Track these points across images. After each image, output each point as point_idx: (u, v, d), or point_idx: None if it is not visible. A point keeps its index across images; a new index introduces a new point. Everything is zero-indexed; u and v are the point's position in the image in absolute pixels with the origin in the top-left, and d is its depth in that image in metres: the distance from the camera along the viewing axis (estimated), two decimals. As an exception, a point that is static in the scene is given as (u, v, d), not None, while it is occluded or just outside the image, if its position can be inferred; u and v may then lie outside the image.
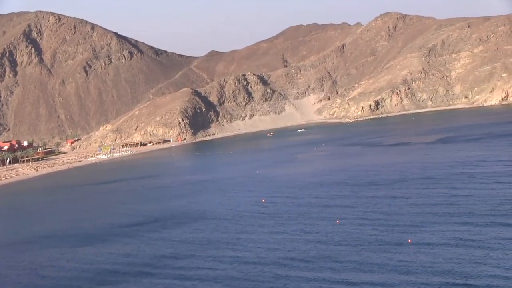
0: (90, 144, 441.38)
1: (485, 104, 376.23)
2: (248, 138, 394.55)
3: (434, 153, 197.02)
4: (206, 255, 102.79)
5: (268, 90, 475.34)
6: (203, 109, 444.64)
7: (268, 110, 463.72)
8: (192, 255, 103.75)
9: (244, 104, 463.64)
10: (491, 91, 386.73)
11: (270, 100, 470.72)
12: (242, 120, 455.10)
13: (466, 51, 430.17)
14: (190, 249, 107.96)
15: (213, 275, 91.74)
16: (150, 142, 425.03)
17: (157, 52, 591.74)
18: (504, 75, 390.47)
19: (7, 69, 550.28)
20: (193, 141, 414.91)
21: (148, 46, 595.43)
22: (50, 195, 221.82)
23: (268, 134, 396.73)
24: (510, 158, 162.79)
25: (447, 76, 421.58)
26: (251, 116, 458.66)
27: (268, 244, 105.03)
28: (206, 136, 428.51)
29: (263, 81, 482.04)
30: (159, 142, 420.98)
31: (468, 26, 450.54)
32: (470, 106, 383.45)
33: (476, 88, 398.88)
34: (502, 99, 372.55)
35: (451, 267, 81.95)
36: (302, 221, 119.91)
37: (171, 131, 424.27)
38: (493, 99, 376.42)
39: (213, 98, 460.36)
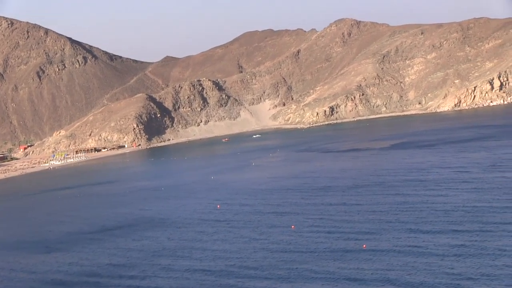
0: (44, 150, 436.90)
1: (438, 110, 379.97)
2: (203, 144, 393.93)
3: (387, 159, 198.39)
4: (159, 264, 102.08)
5: (223, 96, 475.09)
6: (158, 115, 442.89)
7: (223, 116, 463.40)
8: (145, 264, 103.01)
9: (199, 109, 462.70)
10: (444, 97, 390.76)
11: (225, 106, 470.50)
12: (197, 125, 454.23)
13: (420, 57, 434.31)
14: (143, 258, 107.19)
15: (165, 285, 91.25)
16: (104, 148, 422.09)
17: (112, 57, 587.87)
18: (457, 81, 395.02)
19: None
20: (148, 147, 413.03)
21: (103, 51, 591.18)
22: (1, 202, 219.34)
23: (223, 140, 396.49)
24: (461, 164, 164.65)
25: (401, 82, 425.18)
26: (206, 121, 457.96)
27: (222, 252, 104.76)
28: (161, 142, 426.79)
29: (218, 87, 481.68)
30: (113, 148, 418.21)
31: (421, 33, 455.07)
32: (423, 112, 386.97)
33: (429, 94, 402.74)
34: (455, 105, 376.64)
35: (403, 276, 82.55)
36: (257, 228, 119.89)
37: (126, 137, 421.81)
38: (446, 105, 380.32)
39: (168, 104, 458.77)
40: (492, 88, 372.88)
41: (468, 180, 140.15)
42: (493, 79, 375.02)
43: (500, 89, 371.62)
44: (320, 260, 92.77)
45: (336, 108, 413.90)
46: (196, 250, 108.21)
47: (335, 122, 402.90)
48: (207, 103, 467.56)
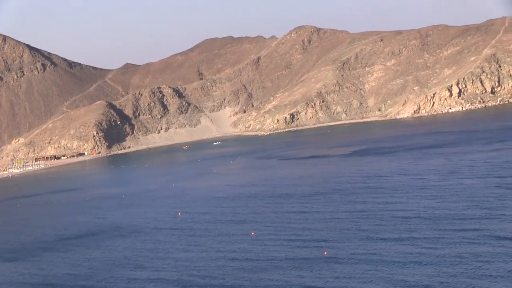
0: (2, 158, 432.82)
1: (397, 117, 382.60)
2: (164, 151, 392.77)
3: (347, 166, 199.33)
4: (119, 274, 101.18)
5: (184, 103, 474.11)
6: (118, 122, 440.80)
7: (183, 123, 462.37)
8: (104, 274, 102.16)
9: (159, 117, 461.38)
10: (403, 104, 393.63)
11: (185, 113, 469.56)
12: (158, 133, 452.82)
13: (379, 64, 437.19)
14: (102, 268, 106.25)
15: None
16: (64, 156, 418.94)
17: (71, 64, 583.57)
18: (416, 88, 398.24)
19: None
20: (108, 155, 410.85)
21: (62, 58, 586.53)
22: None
23: (184, 147, 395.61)
24: (420, 171, 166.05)
25: (361, 89, 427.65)
26: (167, 129, 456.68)
27: (182, 261, 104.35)
28: (121, 149, 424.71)
29: (179, 94, 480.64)
30: (73, 156, 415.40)
31: (381, 40, 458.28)
32: (383, 118, 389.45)
33: (389, 101, 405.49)
34: (414, 111, 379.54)
35: (364, 284, 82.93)
36: (218, 235, 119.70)
37: (86, 144, 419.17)
38: (406, 112, 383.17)
39: (128, 111, 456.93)
40: (451, 95, 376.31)
41: (427, 187, 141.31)
42: (451, 86, 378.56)
43: (459, 96, 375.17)
44: (280, 269, 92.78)
45: (297, 115, 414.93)
46: (156, 259, 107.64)
47: (295, 129, 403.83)
48: (168, 110, 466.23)
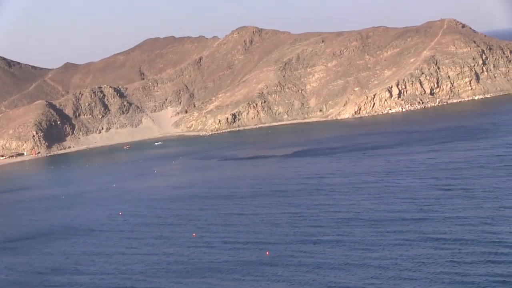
0: None
1: (339, 118, 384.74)
2: (105, 151, 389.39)
3: (288, 167, 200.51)
4: (49, 281, 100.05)
5: (125, 103, 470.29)
6: (58, 122, 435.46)
7: (125, 123, 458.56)
8: (40, 280, 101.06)
9: (100, 117, 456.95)
10: (344, 105, 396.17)
11: (127, 113, 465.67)
12: (99, 133, 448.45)
13: (320, 65, 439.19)
14: (33, 275, 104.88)
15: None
16: (2, 156, 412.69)
17: (10, 63, 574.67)
18: (357, 89, 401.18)
19: None
20: (48, 155, 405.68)
21: (0, 57, 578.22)
22: None
23: (125, 147, 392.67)
24: (358, 172, 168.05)
25: (302, 89, 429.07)
26: (108, 129, 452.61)
27: (119, 265, 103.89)
28: (61, 149, 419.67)
29: (120, 94, 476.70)
30: (12, 156, 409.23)
31: (322, 41, 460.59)
32: (324, 119, 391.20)
33: (330, 102, 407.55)
34: (355, 112, 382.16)
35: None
36: (158, 238, 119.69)
37: (25, 144, 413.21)
38: (347, 113, 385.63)
39: (69, 111, 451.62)
40: (391, 96, 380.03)
41: (366, 188, 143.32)
42: (391, 87, 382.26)
43: (399, 97, 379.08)
44: (219, 272, 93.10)
45: (238, 115, 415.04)
46: (93, 264, 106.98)
47: (237, 129, 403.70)
48: (109, 110, 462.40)
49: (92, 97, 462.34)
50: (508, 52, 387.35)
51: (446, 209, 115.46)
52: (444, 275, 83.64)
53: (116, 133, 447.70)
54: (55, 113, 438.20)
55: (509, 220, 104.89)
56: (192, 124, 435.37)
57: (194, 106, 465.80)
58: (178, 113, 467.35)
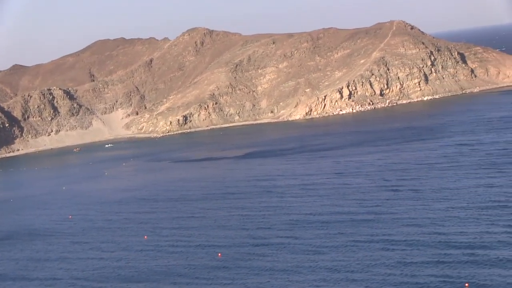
0: None
1: (290, 119, 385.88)
2: (54, 154, 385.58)
3: (239, 168, 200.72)
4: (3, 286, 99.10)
5: (75, 105, 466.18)
6: (6, 125, 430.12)
7: (75, 125, 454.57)
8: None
9: (50, 119, 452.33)
10: (295, 106, 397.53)
11: (77, 115, 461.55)
12: (48, 135, 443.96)
13: (272, 66, 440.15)
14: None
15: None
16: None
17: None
18: (308, 90, 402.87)
19: None
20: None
21: None
22: None
23: (75, 150, 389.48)
24: (309, 173, 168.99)
25: (254, 91, 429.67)
26: (57, 131, 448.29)
27: (66, 271, 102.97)
28: (9, 152, 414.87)
29: (70, 96, 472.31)
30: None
31: (273, 43, 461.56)
32: (276, 120, 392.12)
33: (281, 103, 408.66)
34: (306, 113, 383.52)
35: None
36: (108, 242, 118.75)
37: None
38: (298, 114, 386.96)
39: (17, 113, 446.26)
40: (342, 97, 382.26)
41: (315, 189, 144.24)
42: (342, 88, 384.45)
43: (349, 98, 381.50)
44: (171, 276, 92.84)
45: (190, 117, 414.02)
46: (39, 270, 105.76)
47: (188, 131, 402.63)
48: (58, 112, 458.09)
49: (41, 99, 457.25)
50: (456, 53, 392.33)
51: (395, 210, 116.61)
52: (393, 276, 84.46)
53: (66, 136, 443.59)
54: (3, 116, 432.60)
55: (457, 220, 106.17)
56: (143, 126, 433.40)
57: (145, 107, 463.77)
58: (129, 115, 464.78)
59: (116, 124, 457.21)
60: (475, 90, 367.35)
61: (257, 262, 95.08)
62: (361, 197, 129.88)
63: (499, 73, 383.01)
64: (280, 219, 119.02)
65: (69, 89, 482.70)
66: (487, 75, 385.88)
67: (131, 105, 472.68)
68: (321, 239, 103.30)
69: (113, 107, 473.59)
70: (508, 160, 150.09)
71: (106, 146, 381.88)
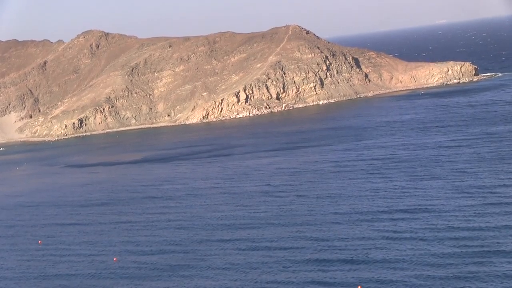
0: None
1: (187, 122, 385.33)
2: None
3: (129, 173, 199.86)
4: None
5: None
6: None
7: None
8: None
9: None
10: (192, 110, 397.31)
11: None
12: None
13: (168, 70, 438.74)
14: None
15: None
16: None
17: None
18: (205, 94, 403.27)
19: None
20: None
21: None
22: None
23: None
24: (196, 178, 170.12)
25: (150, 94, 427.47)
26: None
27: None
28: None
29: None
30: None
31: (170, 46, 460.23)
32: (173, 124, 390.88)
33: (178, 107, 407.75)
34: (203, 117, 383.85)
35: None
36: (7, 248, 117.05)
37: None
38: (195, 118, 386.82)
39: None
40: (238, 100, 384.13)
41: (201, 195, 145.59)
42: (239, 92, 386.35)
43: (246, 101, 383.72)
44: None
45: (85, 120, 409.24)
46: None
47: (84, 134, 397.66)
48: None
49: None
50: (351, 58, 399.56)
51: (278, 216, 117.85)
52: (275, 284, 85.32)
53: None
54: None
55: (339, 226, 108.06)
56: (37, 130, 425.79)
57: (39, 111, 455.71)
58: (22, 118, 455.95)
59: (8, 127, 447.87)
60: (369, 95, 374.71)
61: (138, 271, 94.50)
62: (246, 203, 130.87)
63: (392, 78, 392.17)
64: (164, 225, 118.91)
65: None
66: (381, 80, 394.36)
67: (24, 108, 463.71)
68: (204, 246, 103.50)
69: (5, 110, 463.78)
70: (392, 166, 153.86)
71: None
